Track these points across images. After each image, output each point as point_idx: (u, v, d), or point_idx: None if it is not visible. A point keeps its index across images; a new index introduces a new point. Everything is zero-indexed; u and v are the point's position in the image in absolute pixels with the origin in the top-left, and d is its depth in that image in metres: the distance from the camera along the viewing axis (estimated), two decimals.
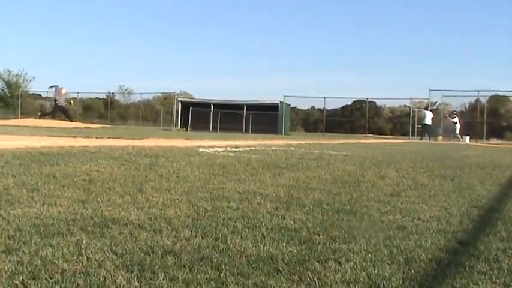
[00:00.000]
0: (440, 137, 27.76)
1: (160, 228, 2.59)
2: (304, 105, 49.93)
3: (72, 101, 28.34)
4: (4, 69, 49.79)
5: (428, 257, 2.29)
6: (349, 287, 1.89)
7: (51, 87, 26.86)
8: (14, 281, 1.77)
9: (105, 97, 45.83)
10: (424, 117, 27.78)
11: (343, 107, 48.86)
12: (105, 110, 44.69)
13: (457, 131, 27.46)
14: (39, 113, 28.69)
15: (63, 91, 25.60)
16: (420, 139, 26.54)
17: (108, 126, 29.74)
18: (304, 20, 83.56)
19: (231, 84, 78.28)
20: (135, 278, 1.85)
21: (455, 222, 3.11)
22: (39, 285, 1.75)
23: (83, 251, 2.13)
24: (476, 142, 26.23)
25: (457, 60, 76.57)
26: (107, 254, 2.10)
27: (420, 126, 28.70)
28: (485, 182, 5.40)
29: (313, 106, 49.72)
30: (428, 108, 28.60)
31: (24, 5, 77.65)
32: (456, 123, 27.57)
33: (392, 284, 1.93)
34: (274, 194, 3.93)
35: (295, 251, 2.30)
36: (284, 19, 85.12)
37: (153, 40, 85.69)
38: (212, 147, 9.57)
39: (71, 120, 25.71)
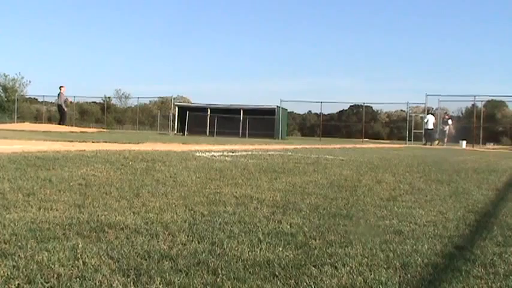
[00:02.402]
0: (436, 142, 27.83)
1: (156, 233, 2.59)
2: (301, 109, 50.24)
3: (65, 102, 27.19)
4: (0, 73, 49.83)
5: (425, 261, 2.30)
6: None
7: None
8: (9, 285, 1.76)
9: (102, 101, 45.88)
10: (426, 122, 27.84)
11: (340, 111, 49.13)
12: (101, 115, 44.68)
13: (440, 135, 27.37)
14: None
15: (63, 89, 25.60)
16: (430, 144, 26.42)
17: (104, 130, 29.64)
18: (302, 24, 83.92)
19: (228, 89, 78.47)
20: (132, 283, 1.84)
21: (451, 227, 3.12)
22: None
23: (79, 255, 2.12)
24: (473, 147, 26.33)
25: (454, 66, 76.99)
26: (103, 259, 2.10)
27: (423, 131, 28.77)
28: (481, 187, 5.42)
29: (310, 110, 49.96)
30: (430, 112, 28.64)
31: (21, 9, 77.68)
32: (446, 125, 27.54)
33: None
34: (271, 199, 3.93)
35: (291, 255, 2.30)
36: (281, 24, 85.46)
37: (150, 44, 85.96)
38: (209, 151, 9.57)
39: (61, 123, 25.53)
